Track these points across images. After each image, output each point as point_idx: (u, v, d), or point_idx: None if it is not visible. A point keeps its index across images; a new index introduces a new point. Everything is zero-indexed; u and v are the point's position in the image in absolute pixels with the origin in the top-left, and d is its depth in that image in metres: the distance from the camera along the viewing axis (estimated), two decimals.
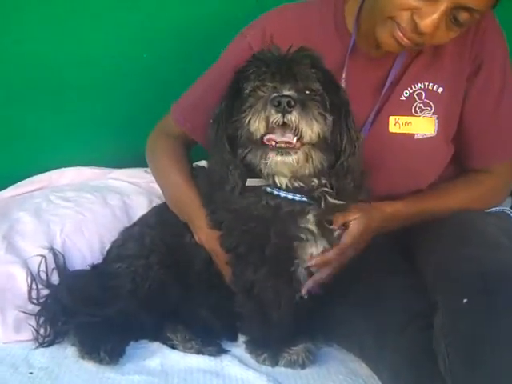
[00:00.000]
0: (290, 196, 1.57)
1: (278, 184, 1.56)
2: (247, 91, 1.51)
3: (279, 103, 1.42)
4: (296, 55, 1.53)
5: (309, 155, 1.50)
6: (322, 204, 1.58)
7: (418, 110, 1.74)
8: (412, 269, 1.70)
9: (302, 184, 1.57)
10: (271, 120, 1.44)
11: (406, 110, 1.74)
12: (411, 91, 1.75)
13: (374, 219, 1.66)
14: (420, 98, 1.74)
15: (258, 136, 1.47)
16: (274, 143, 1.47)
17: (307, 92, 1.50)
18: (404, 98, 1.75)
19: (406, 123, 1.74)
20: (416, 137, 1.74)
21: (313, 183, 1.57)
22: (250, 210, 1.58)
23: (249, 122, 1.46)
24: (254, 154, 1.52)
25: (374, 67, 1.75)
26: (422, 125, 1.74)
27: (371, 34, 1.66)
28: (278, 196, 1.57)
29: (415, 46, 1.61)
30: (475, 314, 1.37)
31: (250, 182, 1.57)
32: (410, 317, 1.54)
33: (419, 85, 1.74)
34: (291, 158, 1.48)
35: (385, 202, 1.71)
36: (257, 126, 1.46)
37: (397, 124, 1.74)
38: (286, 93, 1.45)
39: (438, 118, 1.75)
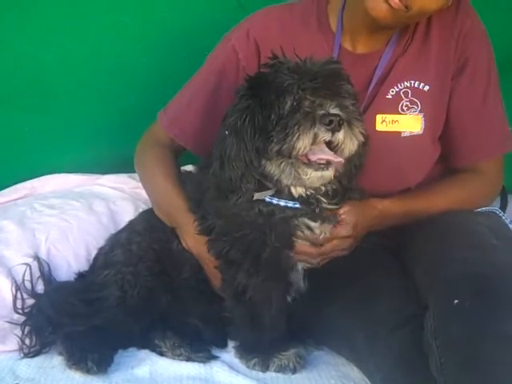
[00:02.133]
0: (282, 203, 1.56)
1: (294, 194, 1.55)
2: (288, 106, 1.47)
3: (331, 122, 1.42)
4: (334, 68, 1.52)
5: (338, 167, 1.52)
6: (317, 209, 1.57)
7: (405, 108, 1.75)
8: (403, 270, 1.70)
9: (312, 192, 1.57)
10: (319, 138, 1.44)
11: (392, 108, 1.74)
12: (397, 89, 1.75)
13: (365, 214, 1.66)
14: (406, 96, 1.74)
15: (301, 152, 1.45)
16: (315, 159, 1.46)
17: (349, 109, 1.49)
18: (390, 97, 1.75)
19: (393, 121, 1.74)
20: (403, 135, 1.75)
21: (321, 191, 1.57)
22: (242, 216, 1.57)
23: (297, 138, 1.43)
24: (280, 166, 1.50)
25: (359, 66, 1.75)
26: (408, 123, 1.74)
27: (360, 23, 1.66)
28: (271, 203, 1.56)
29: (405, 12, 1.58)
30: (466, 315, 1.36)
31: (258, 195, 1.55)
32: (401, 319, 1.53)
33: (405, 83, 1.74)
34: (328, 173, 1.49)
35: (374, 199, 1.70)
36: (305, 143, 1.44)
37: (383, 122, 1.74)
38: (334, 111, 1.44)
39: (424, 116, 1.75)
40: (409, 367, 1.45)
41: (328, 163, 1.47)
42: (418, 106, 1.75)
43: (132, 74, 2.36)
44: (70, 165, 2.39)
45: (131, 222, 1.93)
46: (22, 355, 1.70)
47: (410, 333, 1.49)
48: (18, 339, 1.72)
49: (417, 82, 1.75)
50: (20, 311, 1.80)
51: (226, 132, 1.52)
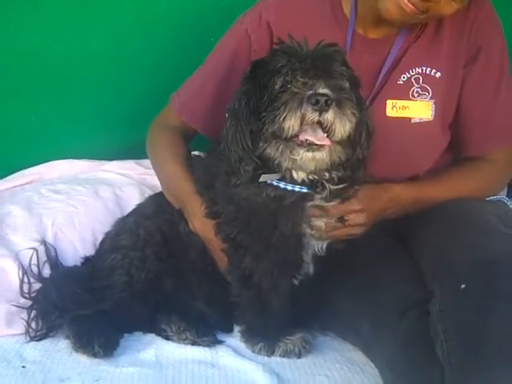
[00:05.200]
0: (289, 187, 1.55)
1: (296, 178, 1.54)
2: (277, 86, 1.47)
3: (317, 101, 1.40)
4: (327, 50, 1.51)
5: (333, 151, 1.50)
6: (325, 192, 1.57)
7: (416, 95, 1.74)
8: (409, 256, 1.70)
9: (315, 177, 1.55)
10: (307, 118, 1.42)
11: (403, 94, 1.74)
12: (409, 75, 1.74)
13: (378, 196, 1.66)
14: (417, 83, 1.74)
15: (290, 133, 1.44)
16: (304, 140, 1.45)
17: (340, 90, 1.48)
18: (402, 82, 1.74)
19: (403, 107, 1.73)
20: (413, 121, 1.74)
21: (325, 176, 1.56)
22: (252, 201, 1.56)
23: (283, 119, 1.43)
24: (277, 149, 1.49)
25: (372, 51, 1.74)
26: (419, 109, 1.73)
27: (370, 13, 1.65)
28: (278, 187, 1.56)
29: (419, 15, 1.58)
30: (473, 299, 1.37)
31: (265, 177, 1.55)
32: (406, 304, 1.53)
33: (417, 69, 1.74)
34: (320, 155, 1.47)
35: (386, 183, 1.70)
36: (292, 123, 1.42)
37: (394, 108, 1.73)
38: (322, 91, 1.42)
39: (435, 103, 1.74)
40: (414, 352, 1.45)
41: (314, 144, 1.46)
42: (429, 93, 1.74)
43: (139, 61, 2.36)
44: (76, 151, 2.39)
45: (139, 206, 1.93)
46: (28, 339, 1.71)
47: (415, 318, 1.49)
48: (24, 323, 1.73)
49: (429, 69, 1.74)
50: (27, 295, 1.81)
51: (226, 115, 1.54)
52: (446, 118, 1.78)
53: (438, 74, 1.74)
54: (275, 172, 1.55)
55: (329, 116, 1.42)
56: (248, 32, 1.79)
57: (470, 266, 1.43)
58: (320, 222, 1.59)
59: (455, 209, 1.67)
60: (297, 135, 1.45)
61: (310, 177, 1.55)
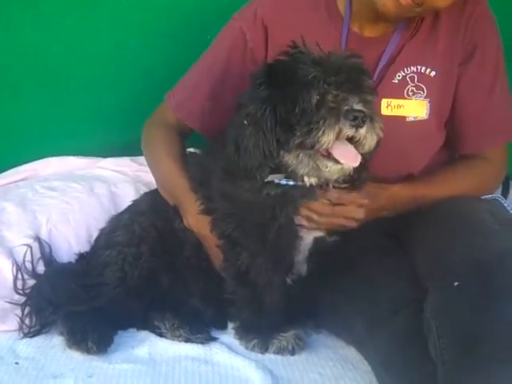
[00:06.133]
0: (291, 183, 1.56)
1: (307, 183, 1.54)
2: (313, 100, 1.45)
3: (355, 118, 1.42)
4: (356, 62, 1.52)
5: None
6: (329, 187, 1.58)
7: (411, 93, 1.74)
8: (404, 256, 1.70)
9: (323, 181, 1.56)
10: (343, 133, 1.43)
11: (398, 92, 1.74)
12: (404, 74, 1.74)
13: (376, 195, 1.66)
14: (412, 81, 1.74)
15: (325, 147, 1.45)
16: (336, 156, 1.46)
17: (371, 104, 1.49)
18: (396, 81, 1.74)
19: (398, 106, 1.73)
20: (408, 120, 1.74)
21: (332, 180, 1.57)
22: (249, 199, 1.57)
23: (322, 133, 1.43)
24: (299, 158, 1.49)
25: (367, 49, 1.73)
26: (413, 108, 1.73)
27: (365, 9, 1.66)
28: (279, 184, 1.56)
29: (415, 7, 1.58)
30: (467, 297, 1.37)
31: (272, 177, 1.55)
32: (401, 303, 1.54)
33: (412, 68, 1.74)
34: (348, 167, 1.49)
35: (384, 184, 1.70)
36: (330, 138, 1.43)
37: (389, 107, 1.73)
38: (359, 107, 1.44)
39: (430, 102, 1.74)
40: (407, 350, 1.46)
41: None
42: (423, 92, 1.74)
43: (134, 58, 2.34)
44: (72, 149, 2.38)
45: (134, 203, 1.93)
46: (21, 335, 1.71)
47: (410, 316, 1.50)
48: (18, 319, 1.73)
49: (423, 68, 1.74)
50: (20, 292, 1.80)
51: (245, 122, 1.49)
52: (441, 117, 1.78)
53: (433, 73, 1.74)
54: (281, 172, 1.55)
55: (363, 131, 1.44)
56: (243, 29, 1.79)
57: (464, 264, 1.43)
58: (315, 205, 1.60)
59: (451, 208, 1.67)
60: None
61: (320, 182, 1.55)
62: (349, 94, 1.45)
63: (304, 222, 1.61)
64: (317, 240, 1.66)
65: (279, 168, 1.53)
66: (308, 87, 1.46)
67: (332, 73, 1.46)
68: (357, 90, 1.47)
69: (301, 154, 1.48)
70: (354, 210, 1.63)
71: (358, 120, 1.42)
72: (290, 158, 1.50)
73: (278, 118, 1.48)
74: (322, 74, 1.46)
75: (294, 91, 1.47)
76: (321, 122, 1.43)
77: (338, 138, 1.44)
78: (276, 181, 1.55)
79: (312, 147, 1.45)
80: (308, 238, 1.64)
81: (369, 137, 1.46)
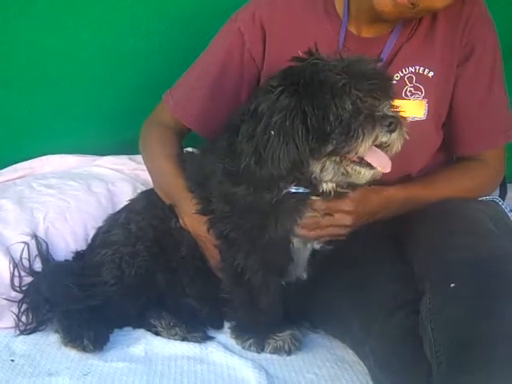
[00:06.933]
0: (293, 189, 1.55)
1: (325, 190, 1.54)
2: (348, 107, 1.44)
3: (390, 124, 1.43)
4: (381, 68, 1.53)
5: None
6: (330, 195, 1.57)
7: (409, 94, 1.74)
8: (401, 257, 1.69)
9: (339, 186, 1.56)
10: (378, 139, 1.44)
11: (396, 93, 1.73)
12: (402, 75, 1.74)
13: (369, 199, 1.66)
14: (411, 82, 1.74)
15: (361, 154, 1.45)
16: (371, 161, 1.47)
17: (397, 109, 1.50)
18: (394, 82, 1.73)
19: None
20: None
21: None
22: (250, 203, 1.56)
23: (362, 141, 1.42)
24: (325, 166, 1.48)
25: (365, 49, 1.73)
26: (411, 108, 1.72)
27: (363, 10, 1.66)
28: (293, 192, 1.55)
29: (410, 8, 1.57)
30: (463, 299, 1.36)
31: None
32: (397, 303, 1.53)
33: (410, 68, 1.73)
34: (378, 172, 1.50)
35: (378, 186, 1.69)
36: (367, 145, 1.43)
37: None
38: (391, 113, 1.45)
39: (428, 102, 1.74)
40: (403, 351, 1.45)
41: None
42: (422, 92, 1.74)
43: (131, 57, 2.34)
44: (70, 147, 2.38)
45: (130, 202, 1.93)
46: (18, 332, 1.71)
47: (405, 317, 1.49)
48: (14, 316, 1.72)
49: (422, 68, 1.74)
50: (17, 289, 1.80)
51: (272, 132, 1.46)
52: (438, 118, 1.78)
53: (431, 74, 1.74)
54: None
55: (394, 136, 1.46)
56: (241, 30, 1.79)
57: (461, 265, 1.43)
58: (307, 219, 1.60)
59: (448, 209, 1.66)
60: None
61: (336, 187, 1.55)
62: (379, 100, 1.46)
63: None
64: (315, 250, 1.67)
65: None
66: (341, 94, 1.44)
67: (361, 79, 1.46)
68: (385, 95, 1.48)
69: (327, 161, 1.48)
70: (341, 217, 1.63)
71: (392, 125, 1.44)
72: (315, 166, 1.49)
73: (309, 127, 1.45)
74: (351, 80, 1.45)
75: (325, 99, 1.44)
76: (360, 130, 1.43)
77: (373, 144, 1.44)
78: (293, 190, 1.54)
79: (344, 154, 1.45)
80: (306, 249, 1.66)
81: (397, 141, 1.47)
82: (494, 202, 1.83)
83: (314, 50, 1.51)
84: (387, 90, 1.50)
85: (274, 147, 1.45)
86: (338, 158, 1.47)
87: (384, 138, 1.45)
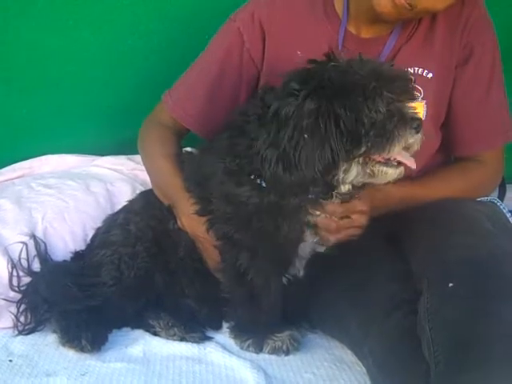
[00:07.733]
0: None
1: (342, 190, 1.54)
2: (381, 109, 1.44)
3: (418, 125, 1.45)
4: (404, 71, 1.55)
5: None
6: (334, 195, 1.56)
7: None
8: (399, 257, 1.69)
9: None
10: (408, 142, 1.45)
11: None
12: None
13: (374, 196, 1.65)
14: None
15: (394, 155, 1.46)
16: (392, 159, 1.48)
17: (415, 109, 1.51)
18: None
19: None
20: None
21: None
22: (252, 205, 1.55)
23: (397, 142, 1.44)
24: (351, 167, 1.48)
25: (364, 50, 1.71)
26: None
27: (362, 10, 1.66)
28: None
29: (409, 9, 1.57)
30: (460, 297, 1.36)
31: None
32: (395, 303, 1.53)
33: (409, 70, 1.73)
34: (402, 170, 1.50)
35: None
36: (401, 146, 1.45)
37: None
38: (416, 115, 1.47)
39: (426, 103, 1.74)
40: (401, 351, 1.45)
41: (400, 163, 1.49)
42: (420, 93, 1.74)
43: (130, 57, 2.34)
44: (68, 146, 2.38)
45: (129, 202, 1.93)
46: (16, 332, 1.71)
47: (403, 317, 1.49)
48: (12, 316, 1.72)
49: (421, 69, 1.74)
50: (16, 289, 1.80)
51: (305, 136, 1.43)
52: (437, 119, 1.78)
53: (430, 75, 1.74)
54: None
55: (419, 138, 1.47)
56: (240, 30, 1.79)
57: (459, 265, 1.43)
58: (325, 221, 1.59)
59: (445, 208, 1.67)
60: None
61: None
62: (406, 102, 1.47)
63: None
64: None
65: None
66: (373, 97, 1.44)
67: (388, 81, 1.46)
68: (411, 98, 1.49)
69: (352, 163, 1.47)
70: (359, 218, 1.62)
71: (420, 127, 1.45)
72: (341, 168, 1.48)
73: (343, 129, 1.43)
74: (381, 83, 1.45)
75: (357, 101, 1.43)
76: (395, 131, 1.43)
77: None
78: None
79: (375, 155, 1.46)
80: (309, 246, 1.65)
81: (418, 141, 1.48)
82: (493, 202, 1.83)
83: (331, 52, 1.51)
84: (411, 92, 1.51)
85: (308, 151, 1.43)
86: (361, 159, 1.47)
87: (411, 140, 1.46)
